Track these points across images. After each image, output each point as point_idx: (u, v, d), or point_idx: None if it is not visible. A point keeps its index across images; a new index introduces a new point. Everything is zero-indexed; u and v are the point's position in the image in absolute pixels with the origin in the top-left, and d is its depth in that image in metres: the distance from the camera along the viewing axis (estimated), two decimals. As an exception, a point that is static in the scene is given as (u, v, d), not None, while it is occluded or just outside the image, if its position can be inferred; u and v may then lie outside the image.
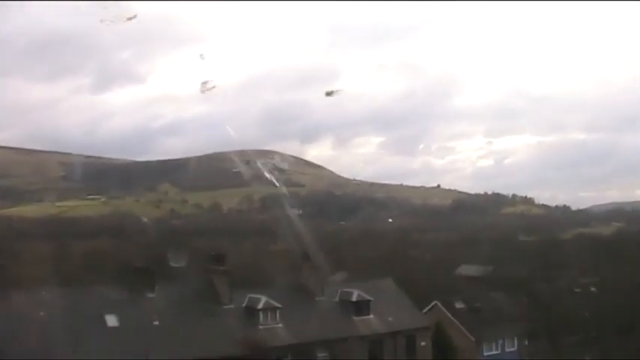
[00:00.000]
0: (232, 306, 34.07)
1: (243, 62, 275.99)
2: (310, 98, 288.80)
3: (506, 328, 42.58)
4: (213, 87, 26.44)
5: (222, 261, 35.36)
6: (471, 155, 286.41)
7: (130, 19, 20.31)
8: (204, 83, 26.92)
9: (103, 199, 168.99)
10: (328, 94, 30.92)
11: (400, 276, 44.78)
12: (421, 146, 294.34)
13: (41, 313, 30.51)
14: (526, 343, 42.96)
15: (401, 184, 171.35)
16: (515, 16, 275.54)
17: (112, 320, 31.35)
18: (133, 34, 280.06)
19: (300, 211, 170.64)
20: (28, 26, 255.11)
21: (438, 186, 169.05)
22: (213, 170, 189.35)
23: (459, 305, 42.19)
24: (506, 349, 42.62)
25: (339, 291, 37.34)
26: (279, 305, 34.05)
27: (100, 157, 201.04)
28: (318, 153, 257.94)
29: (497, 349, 42.10)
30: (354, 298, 36.37)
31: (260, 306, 33.71)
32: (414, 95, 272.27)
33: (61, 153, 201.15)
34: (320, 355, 33.75)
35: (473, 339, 40.96)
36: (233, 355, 31.47)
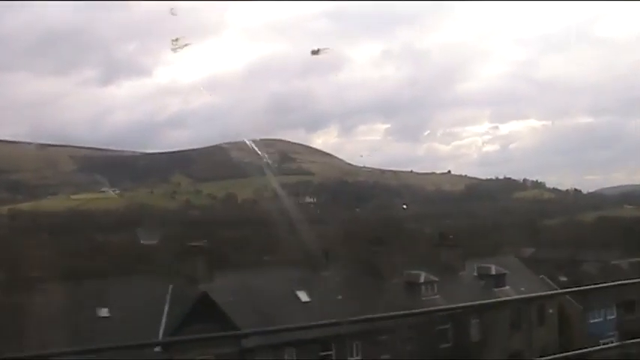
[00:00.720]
0: (396, 281, 38.78)
1: (246, 52, 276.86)
2: (315, 86, 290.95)
3: (606, 298, 47.60)
4: (186, 45, 23.80)
5: (383, 243, 40.20)
6: (476, 141, 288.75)
7: None
8: (175, 41, 23.65)
9: (117, 192, 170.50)
10: (314, 52, 31.13)
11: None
12: (427, 132, 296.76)
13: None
14: (623, 311, 48.30)
15: (411, 171, 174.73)
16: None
17: (303, 296, 35.98)
18: (139, 27, 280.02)
19: (315, 199, 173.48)
20: (33, 21, 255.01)
21: (449, 172, 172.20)
22: (222, 161, 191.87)
23: (562, 278, 47.21)
24: (607, 317, 47.84)
25: (476, 266, 42.29)
26: (437, 279, 38.84)
27: (108, 150, 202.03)
28: (323, 141, 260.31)
29: (599, 317, 47.26)
30: (492, 272, 41.42)
31: (421, 280, 38.57)
32: (419, 81, 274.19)
33: (70, 147, 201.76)
34: (473, 321, 38.42)
35: (581, 307, 45.97)
36: (405, 323, 35.97)
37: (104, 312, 33.56)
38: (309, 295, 36.01)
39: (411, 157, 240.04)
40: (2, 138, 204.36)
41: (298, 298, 36.47)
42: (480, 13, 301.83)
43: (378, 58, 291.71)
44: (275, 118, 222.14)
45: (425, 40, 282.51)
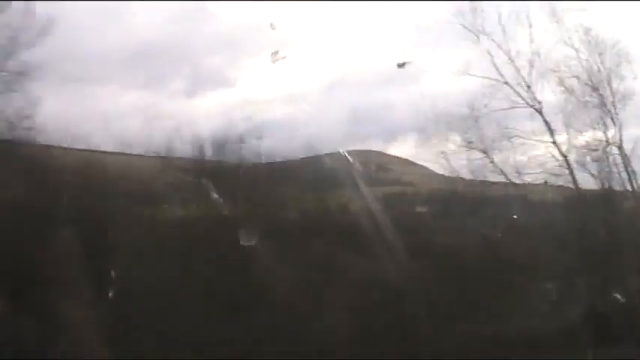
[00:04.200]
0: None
1: (326, 64, 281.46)
2: (393, 98, 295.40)
3: None
4: (284, 57, 24.70)
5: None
6: (553, 150, 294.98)
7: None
8: (275, 53, 25.41)
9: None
10: (400, 65, 32.82)
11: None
12: (503, 142, 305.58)
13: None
14: None
15: (504, 182, 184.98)
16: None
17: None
18: (224, 40, 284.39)
19: (426, 210, 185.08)
20: (123, 36, 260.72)
21: (545, 182, 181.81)
22: (319, 172, 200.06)
23: None
24: None
25: None
26: None
27: (205, 160, 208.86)
28: (399, 152, 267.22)
29: None
30: None
31: None
32: (495, 91, 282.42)
33: (167, 157, 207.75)
34: None
35: None
36: None
37: None
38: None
39: (488, 168, 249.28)
40: (96, 148, 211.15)
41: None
42: (556, 22, 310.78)
43: (457, 68, 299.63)
44: (353, 130, 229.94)
45: (498, 52, 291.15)
